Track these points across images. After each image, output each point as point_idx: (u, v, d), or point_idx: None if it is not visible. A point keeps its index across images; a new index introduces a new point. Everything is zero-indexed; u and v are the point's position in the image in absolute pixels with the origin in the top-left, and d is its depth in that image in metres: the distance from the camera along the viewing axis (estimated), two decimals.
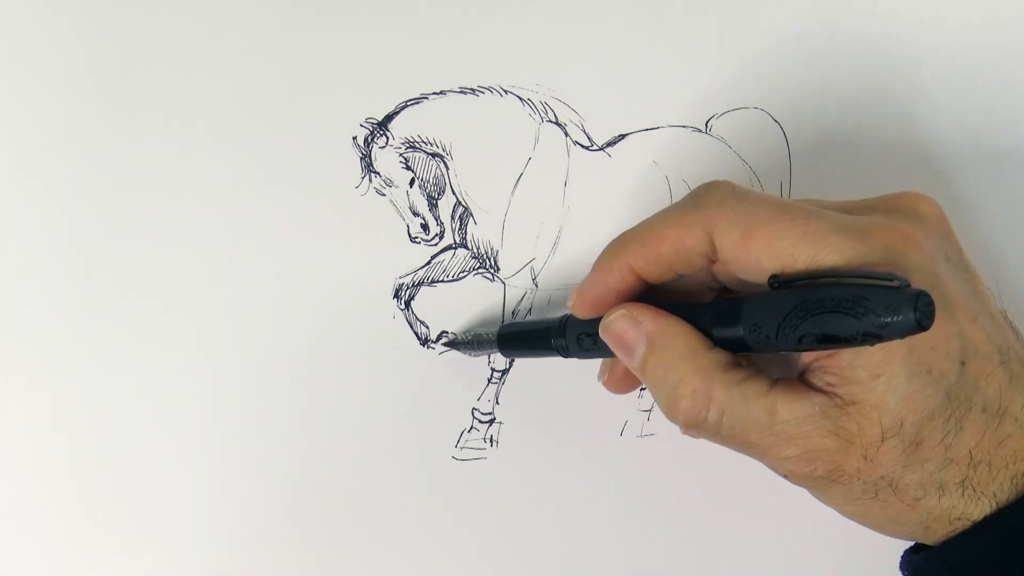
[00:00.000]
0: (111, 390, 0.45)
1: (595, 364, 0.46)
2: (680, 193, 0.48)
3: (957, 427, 0.37)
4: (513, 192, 0.47)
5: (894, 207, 0.39)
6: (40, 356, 0.44)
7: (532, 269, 0.47)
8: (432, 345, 0.47)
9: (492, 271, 0.47)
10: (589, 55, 0.47)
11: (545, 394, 0.48)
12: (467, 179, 0.47)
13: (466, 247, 0.47)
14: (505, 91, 0.47)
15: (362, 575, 0.47)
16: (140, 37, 0.44)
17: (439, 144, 0.46)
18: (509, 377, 0.47)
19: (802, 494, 0.48)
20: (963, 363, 0.37)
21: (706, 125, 0.48)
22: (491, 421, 0.47)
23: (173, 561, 0.45)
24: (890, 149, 0.50)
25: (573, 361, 0.46)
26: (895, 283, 0.34)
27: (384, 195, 0.46)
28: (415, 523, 0.47)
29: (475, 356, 0.47)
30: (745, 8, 0.48)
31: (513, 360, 0.47)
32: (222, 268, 0.45)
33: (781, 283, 0.36)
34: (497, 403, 0.47)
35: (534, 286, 0.47)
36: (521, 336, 0.45)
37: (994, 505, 0.37)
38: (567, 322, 0.43)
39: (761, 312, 0.36)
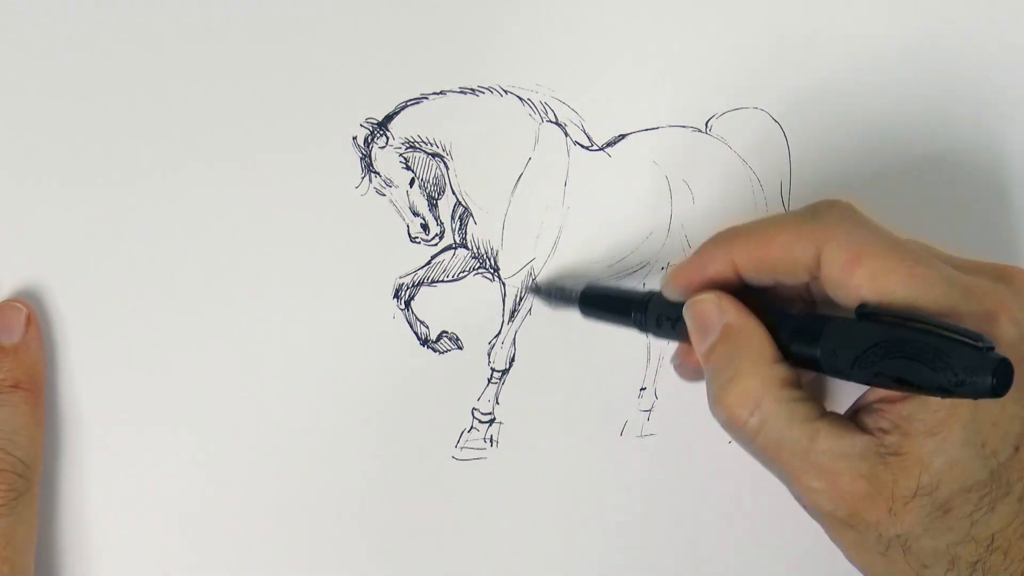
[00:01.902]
0: (108, 389, 0.45)
1: (601, 361, 0.46)
2: (680, 193, 0.48)
3: (990, 507, 0.37)
4: (513, 192, 0.47)
5: (1003, 276, 0.39)
6: (47, 356, 0.44)
7: (532, 269, 0.47)
8: (432, 345, 0.47)
9: (492, 271, 0.47)
10: (589, 55, 0.47)
11: (545, 394, 0.48)
12: (467, 179, 0.47)
13: (466, 247, 0.47)
14: (505, 91, 0.47)
15: (362, 575, 0.47)
16: (140, 37, 0.44)
17: (439, 144, 0.46)
18: (509, 377, 0.47)
19: None
20: (1017, 448, 0.37)
21: (706, 125, 0.48)
22: (491, 421, 0.47)
23: (172, 561, 0.45)
24: (891, 149, 0.50)
25: (575, 359, 0.46)
26: (980, 344, 0.34)
27: (384, 195, 0.46)
28: (415, 523, 0.47)
29: (553, 308, 0.47)
30: (745, 8, 0.48)
31: (513, 360, 0.47)
32: (222, 268, 0.45)
33: (868, 314, 0.36)
34: (497, 403, 0.47)
35: (533, 285, 0.47)
36: (604, 300, 0.45)
37: None
38: (652, 299, 0.43)
39: (842, 339, 0.36)
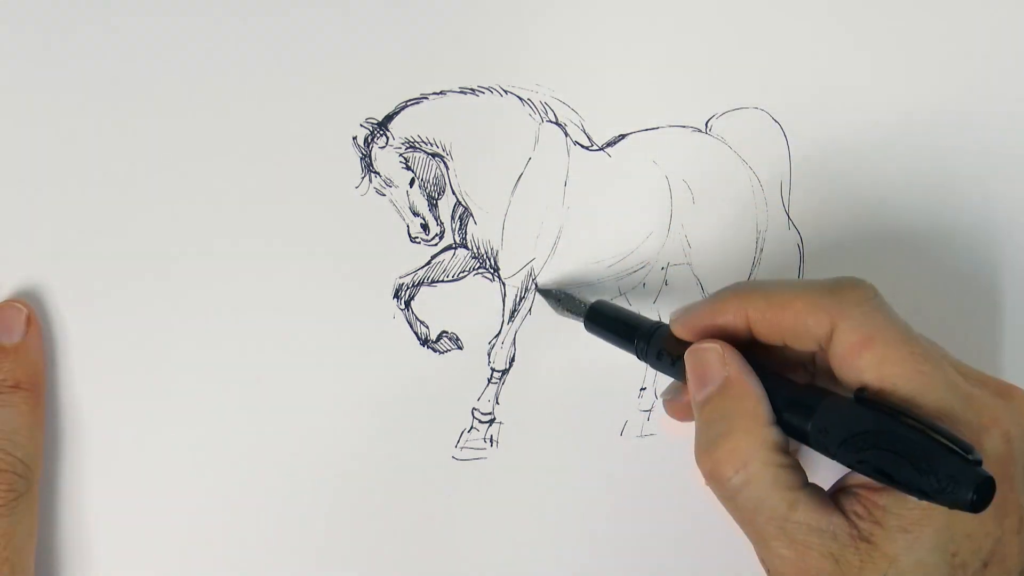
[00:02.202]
0: (108, 389, 0.45)
1: (601, 361, 0.46)
2: (680, 193, 0.48)
3: None
4: (513, 192, 0.47)
5: (1003, 393, 0.40)
6: (47, 355, 0.44)
7: (532, 269, 0.47)
8: (432, 345, 0.47)
9: (492, 271, 0.47)
10: (589, 55, 0.47)
11: (545, 394, 0.48)
12: (467, 179, 0.47)
13: (466, 247, 0.47)
14: (505, 91, 0.47)
15: (362, 575, 0.47)
16: (141, 37, 0.44)
17: (439, 144, 0.46)
18: (509, 377, 0.47)
19: None
20: (986, 564, 0.37)
21: (706, 125, 0.48)
22: (491, 421, 0.47)
23: (172, 561, 0.45)
24: (891, 149, 0.50)
25: (575, 359, 0.46)
26: (970, 456, 0.34)
27: (384, 195, 0.46)
28: (415, 523, 0.47)
29: (558, 313, 0.47)
30: (745, 8, 0.48)
31: (513, 360, 0.47)
32: (221, 268, 0.45)
33: (866, 399, 0.37)
34: (497, 403, 0.47)
35: (534, 286, 0.48)
36: (610, 319, 0.45)
37: None
38: (657, 331, 0.43)
39: (835, 419, 0.37)
